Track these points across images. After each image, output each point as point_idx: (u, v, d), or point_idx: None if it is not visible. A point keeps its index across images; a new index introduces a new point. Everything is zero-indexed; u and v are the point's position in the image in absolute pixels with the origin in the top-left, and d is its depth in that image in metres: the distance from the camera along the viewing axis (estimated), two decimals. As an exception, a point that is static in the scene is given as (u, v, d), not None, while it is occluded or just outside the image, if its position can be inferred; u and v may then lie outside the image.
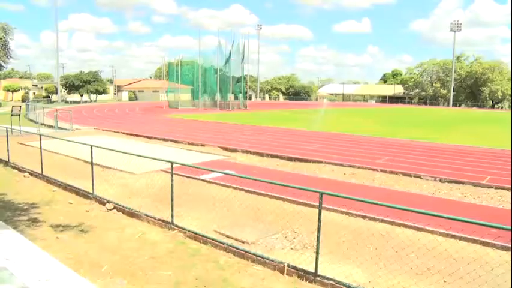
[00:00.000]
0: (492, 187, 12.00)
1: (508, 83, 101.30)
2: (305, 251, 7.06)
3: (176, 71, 56.58)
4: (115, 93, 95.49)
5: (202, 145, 19.12)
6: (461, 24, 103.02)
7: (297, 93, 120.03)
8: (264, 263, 6.52)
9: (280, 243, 7.38)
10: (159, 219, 8.32)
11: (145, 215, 8.61)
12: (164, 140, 21.02)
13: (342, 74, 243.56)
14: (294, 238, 7.61)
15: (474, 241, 7.39)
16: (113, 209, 9.29)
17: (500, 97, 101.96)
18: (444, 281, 6.04)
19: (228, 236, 7.58)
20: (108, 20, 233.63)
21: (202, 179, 11.82)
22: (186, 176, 11.86)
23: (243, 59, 56.37)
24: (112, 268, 6.33)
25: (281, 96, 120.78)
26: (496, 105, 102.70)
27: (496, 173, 13.86)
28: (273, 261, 6.46)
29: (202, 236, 7.49)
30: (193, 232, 7.67)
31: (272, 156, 16.55)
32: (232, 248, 7.01)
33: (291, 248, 7.19)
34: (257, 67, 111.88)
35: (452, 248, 6.86)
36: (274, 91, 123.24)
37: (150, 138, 21.78)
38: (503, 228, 4.87)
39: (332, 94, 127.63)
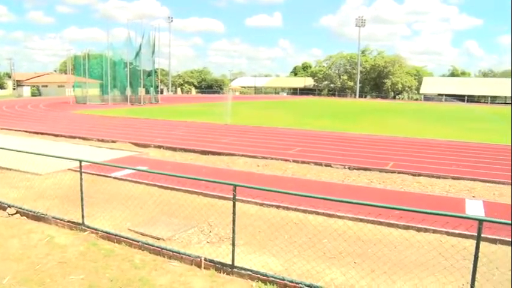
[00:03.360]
0: (395, 172, 12.87)
1: (407, 76, 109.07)
2: (221, 243, 7.10)
3: (83, 65, 53.82)
4: (14, 89, 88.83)
5: (113, 141, 18.47)
6: (365, 20, 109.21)
7: (209, 87, 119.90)
8: (180, 258, 6.46)
9: (197, 238, 7.36)
10: (69, 221, 7.92)
11: (53, 217, 8.14)
12: (72, 137, 20.00)
13: (254, 67, 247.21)
14: (210, 231, 7.62)
15: (380, 223, 7.89)
16: (15, 213, 8.66)
17: (400, 89, 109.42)
18: (355, 262, 6.38)
19: (142, 234, 7.42)
20: (3, 7, 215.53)
21: (113, 177, 11.43)
22: (97, 174, 11.40)
23: (154, 52, 55.13)
24: (16, 278, 5.89)
25: (193, 90, 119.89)
26: (397, 96, 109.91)
27: (398, 159, 14.89)
28: (189, 256, 6.42)
29: (116, 235, 7.25)
30: (106, 232, 7.40)
31: (185, 150, 16.41)
32: (147, 246, 6.86)
33: (208, 242, 7.20)
34: (169, 60, 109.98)
35: (361, 231, 7.27)
36: (186, 85, 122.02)
37: (56, 136, 20.59)
38: (500, 223, 5.03)
39: (244, 87, 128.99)
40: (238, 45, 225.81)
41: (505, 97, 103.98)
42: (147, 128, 24.53)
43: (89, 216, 7.87)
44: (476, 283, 4.69)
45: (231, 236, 6.11)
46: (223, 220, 7.84)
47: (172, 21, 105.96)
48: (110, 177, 11.40)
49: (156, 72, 59.93)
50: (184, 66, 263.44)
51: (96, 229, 7.53)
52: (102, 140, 18.86)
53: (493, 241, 7.05)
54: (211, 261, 6.26)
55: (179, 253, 6.52)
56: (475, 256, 4.61)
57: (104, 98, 53.54)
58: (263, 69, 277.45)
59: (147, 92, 56.91)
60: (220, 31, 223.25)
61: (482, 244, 4.80)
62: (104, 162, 12.02)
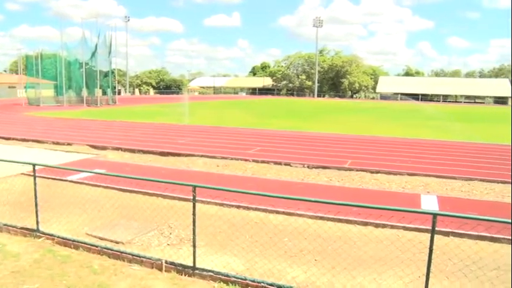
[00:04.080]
0: (353, 170, 13.12)
1: (363, 75, 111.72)
2: (182, 245, 7.04)
3: (36, 65, 51.96)
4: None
5: (69, 144, 17.96)
6: (322, 20, 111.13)
7: (168, 87, 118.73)
8: (141, 262, 6.35)
9: (157, 240, 7.26)
10: (22, 228, 7.62)
11: (5, 225, 7.81)
12: (24, 140, 19.28)
13: (213, 67, 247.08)
14: (171, 233, 7.54)
15: (339, 220, 8.00)
16: (-36, 221, 8.27)
17: (357, 88, 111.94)
18: (315, 260, 6.46)
19: (101, 238, 7.25)
20: None
21: (70, 180, 11.11)
22: (52, 178, 11.05)
23: (111, 52, 53.92)
24: (-36, 291, 5.63)
25: (151, 91, 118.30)
26: (354, 96, 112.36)
27: (356, 157, 15.18)
28: (150, 259, 6.33)
29: (73, 240, 7.04)
30: (62, 238, 7.17)
31: (144, 152, 16.16)
32: (106, 250, 6.71)
33: (168, 244, 7.12)
34: (126, 61, 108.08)
35: (321, 228, 7.36)
36: (144, 85, 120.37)
37: (8, 139, 19.80)
38: (453, 216, 5.19)
39: (203, 87, 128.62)
40: (196, 45, 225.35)
41: (455, 96, 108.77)
42: (105, 129, 24.00)
43: (43, 222, 7.61)
44: (431, 274, 4.84)
45: (192, 237, 6.06)
46: (183, 221, 7.77)
47: (129, 20, 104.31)
48: (65, 181, 11.08)
49: (113, 72, 58.70)
50: (142, 67, 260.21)
51: (51, 235, 7.29)
52: (58, 143, 18.31)
53: (446, 234, 7.31)
54: (172, 263, 6.19)
55: (139, 256, 6.41)
56: (429, 249, 4.76)
57: (59, 100, 51.90)
58: (222, 69, 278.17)
59: (104, 93, 55.62)
60: (178, 31, 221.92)
61: (436, 237, 4.97)
62: (60, 165, 11.69)
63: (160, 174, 12.16)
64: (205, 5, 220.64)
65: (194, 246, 6.02)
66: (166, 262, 6.20)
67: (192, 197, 5.97)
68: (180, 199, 9.19)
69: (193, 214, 5.98)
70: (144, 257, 6.38)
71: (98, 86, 53.26)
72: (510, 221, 4.70)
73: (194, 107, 46.51)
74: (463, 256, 6.22)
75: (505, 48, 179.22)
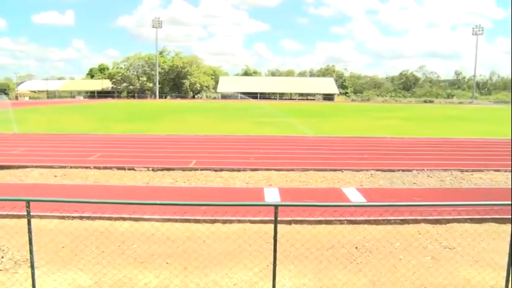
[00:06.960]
0: (198, 169, 13.30)
1: (204, 76, 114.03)
2: (18, 268, 6.36)
3: None
4: None
5: None
6: (162, 21, 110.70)
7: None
8: (-36, 295, 5.59)
9: (-15, 267, 6.46)
10: None
11: None
12: None
13: (45, 69, 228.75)
14: (2, 257, 6.74)
15: (187, 220, 8.03)
16: None
17: (198, 88, 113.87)
18: (167, 263, 6.41)
19: None
20: None
21: None
22: None
23: None
24: None
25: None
26: (196, 96, 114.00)
27: (200, 157, 15.44)
28: (-23, 290, 5.60)
29: None
30: None
31: (-35, 167, 14.21)
32: None
33: (0, 270, 6.38)
34: None
35: (169, 230, 7.32)
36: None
37: None
38: (292, 205, 5.36)
39: (35, 91, 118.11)
40: (25, 44, 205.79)
41: (290, 93, 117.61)
42: None
43: None
44: (277, 262, 5.15)
45: (29, 257, 5.52)
46: (18, 241, 7.02)
47: None
48: None
49: None
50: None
51: None
52: None
53: (288, 222, 7.86)
54: (6, 290, 5.57)
55: (-39, 290, 5.63)
56: (274, 238, 5.06)
57: None
58: (56, 72, 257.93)
59: None
60: (1, 28, 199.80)
61: (280, 226, 5.31)
62: None
63: (-14, 190, 10.84)
64: (32, 1, 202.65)
65: (32, 267, 5.49)
66: (-2, 290, 5.56)
67: (26, 213, 5.44)
68: (12, 216, 8.26)
69: (29, 231, 5.43)
70: (-32, 290, 5.62)
71: None
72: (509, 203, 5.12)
73: (25, 113, 42.46)
74: (303, 241, 6.79)
75: (328, 51, 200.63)
